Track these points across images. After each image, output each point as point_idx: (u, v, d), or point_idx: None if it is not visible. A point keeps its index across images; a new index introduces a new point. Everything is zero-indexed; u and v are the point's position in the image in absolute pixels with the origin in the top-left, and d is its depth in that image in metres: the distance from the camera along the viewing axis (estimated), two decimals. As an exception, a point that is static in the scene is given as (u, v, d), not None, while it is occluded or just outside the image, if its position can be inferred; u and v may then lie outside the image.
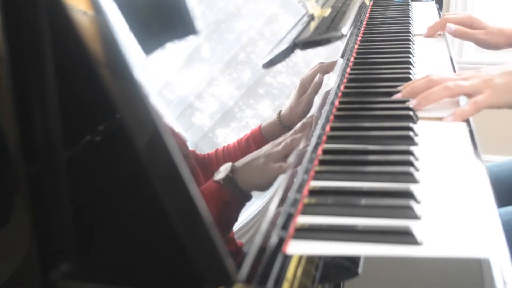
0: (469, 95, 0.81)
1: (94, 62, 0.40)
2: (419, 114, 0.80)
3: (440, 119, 0.80)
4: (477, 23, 1.16)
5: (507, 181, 1.03)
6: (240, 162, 0.60)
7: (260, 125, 0.71)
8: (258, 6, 0.79)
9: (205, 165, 0.61)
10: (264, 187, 0.60)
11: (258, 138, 0.70)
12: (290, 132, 0.69)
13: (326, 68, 0.86)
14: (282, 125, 0.72)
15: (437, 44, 1.19)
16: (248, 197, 0.59)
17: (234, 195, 0.57)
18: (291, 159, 0.62)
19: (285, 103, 0.75)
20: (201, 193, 0.50)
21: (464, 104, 0.81)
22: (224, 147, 0.64)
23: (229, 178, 0.56)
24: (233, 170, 0.57)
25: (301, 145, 0.65)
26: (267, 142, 0.70)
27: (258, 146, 0.67)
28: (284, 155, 0.64)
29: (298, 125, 0.71)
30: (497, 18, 1.19)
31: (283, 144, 0.65)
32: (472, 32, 1.16)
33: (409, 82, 0.86)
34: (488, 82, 0.81)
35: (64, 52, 0.41)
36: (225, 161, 0.60)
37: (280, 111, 0.73)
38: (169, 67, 0.54)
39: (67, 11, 0.39)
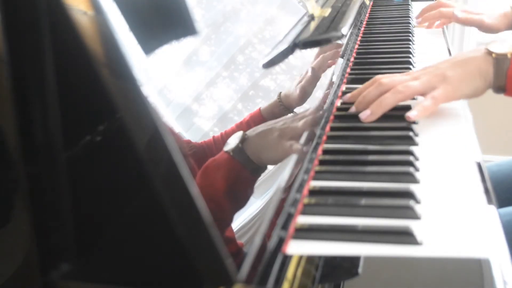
0: (423, 94, 0.78)
1: (94, 62, 0.40)
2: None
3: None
4: (473, 10, 1.18)
5: (506, 180, 1.03)
6: (253, 131, 0.56)
7: (259, 108, 0.69)
8: (257, 7, 0.79)
9: (204, 153, 0.59)
10: (274, 162, 0.57)
11: (259, 121, 0.67)
12: (308, 111, 0.66)
13: (333, 55, 0.85)
14: (283, 106, 0.70)
15: (437, 43, 1.19)
16: (259, 169, 0.54)
17: (244, 167, 0.53)
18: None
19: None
20: (211, 164, 0.48)
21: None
22: (221, 133, 0.60)
23: (239, 149, 0.52)
24: (243, 139, 0.53)
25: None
26: None
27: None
28: (301, 133, 0.61)
29: (313, 108, 0.68)
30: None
31: (303, 121, 0.61)
32: (478, 18, 1.16)
33: (358, 90, 0.81)
34: (440, 76, 0.78)
35: (64, 52, 0.41)
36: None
37: (280, 92, 0.71)
38: (168, 69, 0.54)
39: (67, 11, 0.39)
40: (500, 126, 2.00)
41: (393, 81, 0.79)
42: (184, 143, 0.55)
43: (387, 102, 0.76)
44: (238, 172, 0.53)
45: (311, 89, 0.77)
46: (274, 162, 0.57)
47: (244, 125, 0.63)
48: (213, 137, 0.59)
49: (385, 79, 0.79)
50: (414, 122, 0.76)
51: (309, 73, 0.78)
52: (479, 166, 0.65)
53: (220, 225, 0.46)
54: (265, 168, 0.55)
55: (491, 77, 0.77)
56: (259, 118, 0.67)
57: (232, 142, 0.53)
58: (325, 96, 0.79)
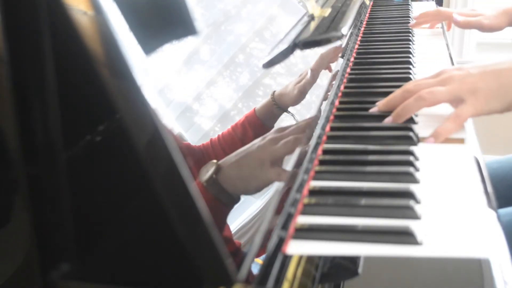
0: (449, 103, 0.73)
1: (94, 62, 0.40)
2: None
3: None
4: (471, 11, 1.16)
5: (506, 177, 1.02)
6: (227, 160, 0.53)
7: (254, 108, 0.67)
8: (257, 7, 0.79)
9: (202, 156, 0.57)
10: (253, 191, 0.54)
11: (254, 121, 0.65)
12: (290, 129, 0.62)
13: (330, 57, 0.85)
14: (276, 105, 0.69)
15: (437, 44, 1.19)
16: (235, 200, 0.52)
17: (218, 200, 0.51)
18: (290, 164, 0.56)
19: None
20: None
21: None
22: (219, 135, 0.58)
23: (213, 180, 0.50)
24: (217, 170, 0.50)
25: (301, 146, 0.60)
26: (263, 124, 0.65)
27: (254, 129, 0.62)
28: (283, 156, 0.58)
29: (294, 126, 0.65)
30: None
31: (283, 142, 0.57)
32: (476, 20, 1.15)
33: (386, 99, 0.77)
34: (470, 87, 0.71)
35: (64, 52, 0.41)
36: (222, 149, 0.55)
37: (274, 91, 0.69)
38: (168, 69, 0.54)
39: (67, 11, 0.39)
40: (500, 126, 2.00)
41: (419, 85, 0.74)
42: (183, 145, 0.55)
43: (408, 109, 0.73)
44: (211, 204, 0.49)
45: (307, 89, 0.76)
46: (253, 192, 0.54)
47: (239, 127, 0.61)
48: (211, 139, 0.57)
49: (410, 85, 0.75)
50: (414, 122, 0.76)
51: (306, 74, 0.77)
52: (479, 166, 0.65)
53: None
54: (238, 199, 0.52)
55: None
56: (254, 118, 0.65)
57: (206, 172, 0.50)
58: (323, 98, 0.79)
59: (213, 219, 0.47)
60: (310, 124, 0.68)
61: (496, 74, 0.72)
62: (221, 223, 0.50)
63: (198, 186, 0.49)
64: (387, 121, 0.74)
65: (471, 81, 0.71)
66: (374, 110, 0.78)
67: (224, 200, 0.51)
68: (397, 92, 0.76)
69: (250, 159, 0.55)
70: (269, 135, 0.59)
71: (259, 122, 0.64)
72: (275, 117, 0.67)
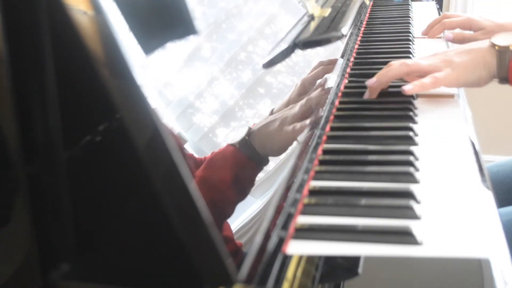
0: (427, 73, 0.81)
1: (94, 62, 0.40)
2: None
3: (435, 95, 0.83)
4: (475, 24, 1.15)
5: (506, 181, 1.03)
6: (256, 126, 0.59)
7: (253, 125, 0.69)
8: (258, 6, 0.79)
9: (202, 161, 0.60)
10: (279, 151, 0.59)
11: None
12: (305, 97, 0.68)
13: (327, 69, 0.86)
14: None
15: (437, 44, 1.19)
16: (264, 161, 0.57)
17: (250, 159, 0.55)
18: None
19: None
20: (217, 156, 0.50)
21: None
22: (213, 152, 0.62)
23: (245, 141, 0.55)
24: (249, 133, 0.56)
25: (318, 104, 0.65)
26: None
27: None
28: (301, 116, 0.63)
29: (313, 90, 0.71)
30: (497, 17, 1.19)
31: (298, 105, 0.64)
32: (471, 35, 1.15)
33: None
34: (447, 61, 0.81)
35: (64, 52, 0.41)
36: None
37: (273, 109, 0.71)
38: (170, 67, 0.54)
39: (67, 11, 0.39)
40: (500, 126, 2.00)
41: (404, 60, 0.83)
42: (182, 146, 0.56)
43: (393, 71, 0.81)
44: (245, 163, 0.55)
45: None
46: (280, 150, 0.59)
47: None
48: (212, 153, 0.60)
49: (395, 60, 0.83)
50: (414, 122, 0.76)
51: (303, 88, 0.79)
52: (479, 166, 0.65)
53: (223, 215, 0.46)
54: (268, 161, 0.57)
55: (495, 68, 0.80)
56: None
57: (239, 135, 0.55)
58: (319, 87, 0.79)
59: (244, 178, 0.53)
60: (318, 86, 0.74)
61: (470, 51, 0.83)
62: (252, 183, 0.55)
63: (230, 149, 0.54)
64: (371, 81, 0.82)
65: (449, 57, 0.83)
66: (366, 82, 0.84)
67: (256, 160, 0.56)
68: (384, 68, 0.84)
69: (275, 122, 0.62)
70: (287, 107, 0.66)
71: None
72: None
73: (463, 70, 0.81)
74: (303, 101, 0.65)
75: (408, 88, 0.79)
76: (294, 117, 0.64)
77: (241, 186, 0.52)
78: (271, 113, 0.71)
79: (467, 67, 0.81)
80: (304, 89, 0.78)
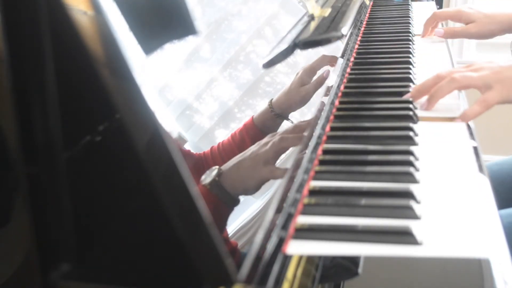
0: (478, 88, 0.79)
1: (94, 62, 0.40)
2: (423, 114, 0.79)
3: (441, 119, 0.79)
4: (466, 16, 1.14)
5: (507, 179, 1.03)
6: (227, 165, 0.58)
7: (252, 116, 0.69)
8: (258, 6, 0.79)
9: (202, 164, 0.60)
10: (252, 191, 0.59)
11: (252, 129, 0.68)
12: (279, 132, 0.67)
13: (329, 61, 0.85)
14: (274, 112, 0.70)
15: (437, 44, 1.19)
16: (236, 202, 0.57)
17: (221, 201, 0.55)
18: (287, 163, 0.60)
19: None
20: None
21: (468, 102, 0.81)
22: (219, 143, 0.62)
23: (216, 183, 0.54)
24: (219, 174, 0.55)
25: (292, 146, 0.63)
26: (261, 132, 0.68)
27: (252, 138, 0.65)
28: (272, 156, 0.62)
29: (289, 127, 0.70)
30: (489, 7, 1.18)
31: (270, 143, 0.63)
32: (462, 29, 1.15)
33: (419, 84, 0.84)
34: (499, 74, 0.78)
35: (64, 52, 0.41)
36: (221, 158, 0.58)
37: (272, 99, 0.71)
38: (169, 68, 0.54)
39: (67, 11, 0.39)
40: (501, 126, 2.00)
41: (451, 71, 0.80)
42: (184, 151, 0.56)
43: (441, 90, 0.79)
44: (216, 205, 0.55)
45: (307, 98, 0.77)
46: (252, 191, 0.59)
47: (238, 136, 0.64)
48: (212, 147, 0.60)
49: (443, 71, 0.81)
50: (414, 122, 0.76)
51: (299, 76, 0.78)
52: (480, 166, 0.65)
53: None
54: (239, 201, 0.57)
55: None
56: (251, 127, 0.68)
57: (209, 176, 0.55)
58: (318, 112, 0.79)
59: (216, 220, 0.50)
60: (298, 127, 0.71)
61: None
62: (224, 224, 0.54)
63: (202, 189, 0.53)
64: (422, 105, 0.79)
65: (501, 71, 0.78)
66: (407, 96, 0.82)
67: (227, 201, 0.55)
68: (429, 78, 0.82)
69: (246, 162, 0.60)
70: (262, 140, 0.65)
71: (256, 130, 0.68)
72: (275, 126, 0.68)
73: None
74: (276, 140, 0.63)
75: (460, 121, 0.76)
76: (266, 156, 0.62)
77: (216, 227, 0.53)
78: (270, 102, 0.70)
79: None
80: (303, 80, 0.77)
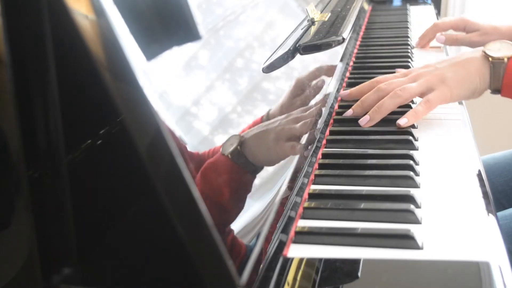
0: (421, 95, 0.78)
1: (96, 65, 0.40)
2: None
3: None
4: (470, 25, 1.12)
5: (503, 174, 1.02)
6: (249, 133, 0.56)
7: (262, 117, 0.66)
8: (256, 12, 0.79)
9: (202, 161, 0.57)
10: (272, 163, 0.57)
11: None
12: (310, 110, 0.66)
13: (325, 72, 0.85)
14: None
15: (436, 49, 1.20)
16: (258, 169, 0.55)
17: (244, 170, 0.53)
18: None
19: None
20: (210, 168, 0.49)
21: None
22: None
23: (237, 151, 0.52)
24: (241, 142, 0.53)
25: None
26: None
27: None
28: (299, 134, 0.61)
29: (318, 106, 0.69)
30: (493, 19, 1.17)
31: (301, 123, 0.62)
32: (465, 36, 1.13)
33: (356, 89, 0.83)
34: (439, 76, 0.78)
35: (66, 55, 0.41)
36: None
37: (269, 110, 0.68)
38: (168, 73, 0.54)
39: (69, 15, 0.39)
40: (499, 126, 2.00)
41: (391, 84, 0.79)
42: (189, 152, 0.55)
43: (385, 107, 0.77)
44: (239, 175, 0.53)
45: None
46: (273, 163, 0.57)
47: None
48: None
49: (383, 84, 0.79)
50: (413, 126, 0.77)
51: (299, 88, 0.77)
52: (478, 170, 0.65)
53: (223, 226, 0.46)
54: (262, 167, 0.55)
55: (488, 79, 0.78)
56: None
57: (230, 144, 0.53)
58: (323, 100, 0.79)
59: (240, 186, 0.51)
60: (326, 104, 0.71)
61: (462, 64, 0.79)
62: (247, 190, 0.52)
63: (223, 159, 0.50)
64: (364, 120, 0.77)
65: (439, 73, 0.78)
66: (348, 113, 0.80)
67: (249, 170, 0.54)
68: (370, 93, 0.80)
69: (270, 133, 0.59)
70: (293, 113, 0.64)
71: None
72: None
73: (457, 85, 0.77)
74: (308, 120, 0.63)
75: (403, 122, 0.75)
76: (292, 133, 0.61)
77: (238, 196, 0.51)
78: (267, 115, 0.70)
79: (461, 82, 0.78)
80: (299, 89, 0.76)
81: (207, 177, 0.47)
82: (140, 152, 0.40)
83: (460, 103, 0.87)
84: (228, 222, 0.47)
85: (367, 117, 0.77)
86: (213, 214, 0.42)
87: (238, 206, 0.50)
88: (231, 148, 0.52)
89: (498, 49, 0.79)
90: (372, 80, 0.82)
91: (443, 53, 1.16)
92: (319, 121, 0.74)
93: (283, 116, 0.62)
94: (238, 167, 0.52)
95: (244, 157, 0.53)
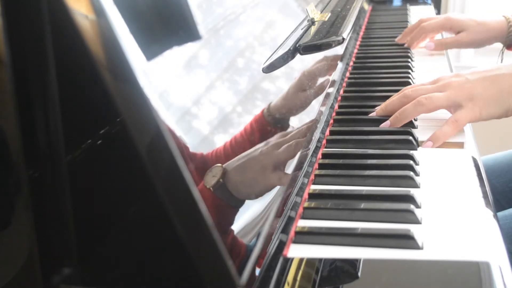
0: (447, 109, 0.74)
1: (96, 65, 0.40)
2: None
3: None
4: (456, 24, 1.09)
5: (502, 174, 1.02)
6: (231, 164, 0.53)
7: (263, 110, 0.65)
8: (257, 11, 0.79)
9: (205, 162, 0.57)
10: (255, 196, 0.54)
11: (261, 121, 0.63)
12: (292, 134, 0.63)
13: (327, 65, 0.85)
14: (271, 116, 0.65)
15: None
16: (240, 203, 0.52)
17: (226, 203, 0.51)
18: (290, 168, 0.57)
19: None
20: None
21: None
22: (232, 138, 0.57)
23: (220, 184, 0.50)
24: (223, 174, 0.51)
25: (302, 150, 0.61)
26: (270, 126, 0.64)
27: (262, 132, 0.60)
28: (284, 161, 0.58)
29: (302, 126, 0.66)
30: (477, 13, 1.14)
31: (285, 147, 0.58)
32: (454, 39, 1.10)
33: (387, 100, 0.79)
34: (468, 91, 0.72)
35: (66, 55, 0.41)
36: (233, 152, 0.54)
37: (270, 103, 0.66)
38: (167, 73, 0.54)
39: (69, 15, 0.39)
40: (498, 126, 2.00)
41: (417, 90, 0.75)
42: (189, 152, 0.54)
43: (406, 115, 0.74)
44: (221, 208, 0.50)
45: (306, 104, 0.75)
46: (256, 197, 0.54)
47: (249, 127, 0.61)
48: (225, 143, 0.56)
49: (409, 90, 0.76)
50: (413, 126, 0.77)
51: (298, 80, 0.76)
52: (478, 171, 0.65)
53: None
54: (243, 202, 0.53)
55: None
56: (261, 119, 0.64)
57: (212, 176, 0.50)
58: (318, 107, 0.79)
59: (223, 222, 0.48)
60: (311, 127, 0.68)
61: (494, 80, 0.73)
62: (230, 225, 0.50)
63: (205, 191, 0.49)
64: (385, 125, 0.75)
65: (469, 87, 0.72)
66: (372, 114, 0.79)
67: (232, 204, 0.51)
68: (395, 97, 0.77)
69: (254, 164, 0.56)
70: (272, 140, 0.60)
71: (265, 123, 0.63)
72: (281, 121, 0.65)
73: (487, 103, 0.71)
74: (292, 144, 0.59)
75: (429, 145, 0.71)
76: (276, 161, 0.58)
77: (221, 228, 0.48)
78: (268, 108, 0.67)
79: (491, 100, 0.71)
80: (303, 84, 0.75)
81: None
82: (140, 152, 0.40)
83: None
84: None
85: (387, 122, 0.75)
86: None
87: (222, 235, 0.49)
88: (214, 181, 0.50)
89: None
90: (400, 92, 0.78)
91: (444, 55, 1.16)
92: (318, 127, 0.73)
93: (262, 144, 0.59)
94: (220, 202, 0.50)
95: (226, 190, 0.51)
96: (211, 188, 0.49)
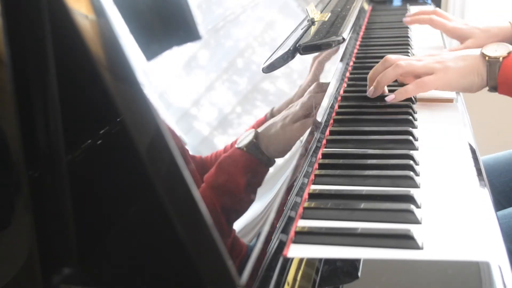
0: (420, 75, 0.83)
1: (96, 65, 0.40)
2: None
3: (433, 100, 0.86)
4: (462, 34, 1.13)
5: (502, 174, 1.03)
6: (261, 128, 0.60)
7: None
8: (256, 12, 0.79)
9: (204, 164, 0.58)
10: (283, 151, 0.60)
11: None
12: (306, 92, 0.71)
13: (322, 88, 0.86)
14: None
15: (435, 46, 1.20)
16: (271, 162, 0.57)
17: (259, 161, 0.56)
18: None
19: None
20: (226, 161, 0.50)
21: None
22: (233, 141, 0.59)
23: (253, 144, 0.55)
24: (256, 135, 0.56)
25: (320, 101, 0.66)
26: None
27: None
28: (302, 114, 0.64)
29: (313, 85, 0.73)
30: (479, 20, 1.17)
31: (299, 103, 0.66)
32: (461, 48, 1.11)
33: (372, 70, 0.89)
34: (441, 64, 0.83)
35: (66, 55, 0.41)
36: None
37: (273, 108, 0.68)
38: (167, 73, 0.54)
39: (69, 15, 0.39)
40: (498, 126, 2.00)
41: (398, 58, 0.85)
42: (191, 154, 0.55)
43: (387, 76, 0.83)
44: (255, 166, 0.55)
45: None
46: (284, 151, 0.60)
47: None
48: (225, 146, 0.58)
49: (391, 56, 0.86)
50: (413, 126, 0.77)
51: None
52: (478, 170, 0.65)
53: (235, 218, 0.46)
54: (274, 161, 0.58)
55: (485, 76, 0.83)
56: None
57: (245, 138, 0.56)
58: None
59: (255, 178, 0.54)
60: (322, 86, 0.76)
61: (465, 57, 0.84)
62: (260, 182, 0.54)
63: (238, 152, 0.54)
64: (370, 91, 0.85)
65: (444, 60, 0.84)
66: (370, 91, 0.86)
67: (264, 161, 0.57)
68: (378, 64, 0.87)
69: (277, 125, 0.63)
70: (292, 105, 0.68)
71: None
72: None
73: (456, 74, 0.82)
74: (304, 99, 0.66)
75: (390, 99, 0.82)
76: (295, 116, 0.65)
77: (252, 188, 0.53)
78: (271, 112, 0.70)
79: (461, 72, 0.82)
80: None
81: (223, 168, 0.49)
82: (140, 152, 0.40)
83: (462, 104, 0.87)
84: (240, 213, 0.48)
85: (371, 88, 0.84)
86: (226, 204, 0.44)
87: (250, 197, 0.52)
88: (247, 141, 0.55)
89: (494, 50, 0.83)
90: (383, 58, 0.88)
91: (441, 43, 1.16)
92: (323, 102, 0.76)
93: (287, 107, 0.67)
94: (253, 158, 0.55)
95: (259, 149, 0.56)
96: (244, 148, 0.54)
